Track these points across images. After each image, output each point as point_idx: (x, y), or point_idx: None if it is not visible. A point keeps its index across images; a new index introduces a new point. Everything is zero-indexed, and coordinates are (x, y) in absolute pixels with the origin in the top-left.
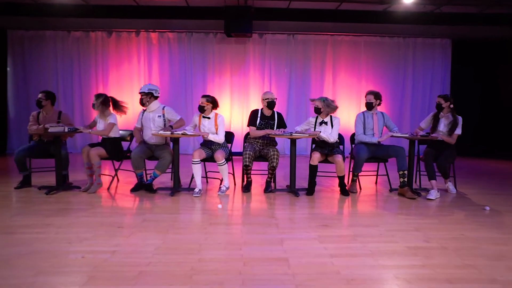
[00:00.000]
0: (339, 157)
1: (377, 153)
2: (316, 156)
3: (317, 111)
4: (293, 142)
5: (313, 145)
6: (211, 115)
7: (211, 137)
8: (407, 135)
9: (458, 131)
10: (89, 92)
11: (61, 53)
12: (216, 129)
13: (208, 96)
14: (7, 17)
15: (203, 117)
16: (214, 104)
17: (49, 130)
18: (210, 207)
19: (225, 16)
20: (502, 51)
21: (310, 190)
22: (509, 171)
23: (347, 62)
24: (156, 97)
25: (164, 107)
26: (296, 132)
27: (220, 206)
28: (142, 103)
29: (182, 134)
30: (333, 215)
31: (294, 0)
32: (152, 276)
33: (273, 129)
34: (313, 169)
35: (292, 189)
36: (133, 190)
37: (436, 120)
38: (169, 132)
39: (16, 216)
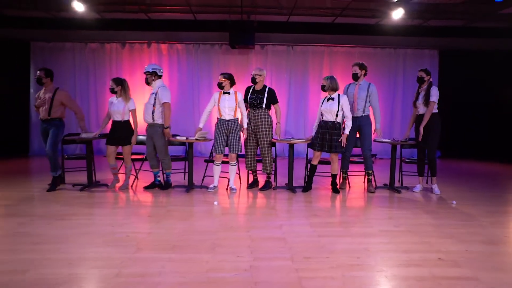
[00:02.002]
0: (335, 156)
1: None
2: (315, 156)
3: (323, 88)
4: (291, 145)
5: (315, 138)
6: (231, 91)
7: (244, 122)
8: (389, 140)
9: (433, 98)
10: (104, 99)
11: (78, 63)
12: (237, 104)
13: (225, 73)
14: (31, 30)
15: (224, 93)
16: (232, 80)
17: (81, 136)
18: (220, 201)
19: (229, 29)
20: (486, 62)
21: (307, 187)
22: (491, 172)
23: (343, 71)
24: (159, 76)
25: (160, 87)
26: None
27: (216, 203)
28: (147, 82)
29: (196, 139)
30: (324, 208)
31: (293, 15)
32: (184, 248)
33: (263, 102)
34: (312, 168)
35: (290, 187)
36: (147, 188)
37: (417, 95)
38: (185, 138)
39: (63, 207)
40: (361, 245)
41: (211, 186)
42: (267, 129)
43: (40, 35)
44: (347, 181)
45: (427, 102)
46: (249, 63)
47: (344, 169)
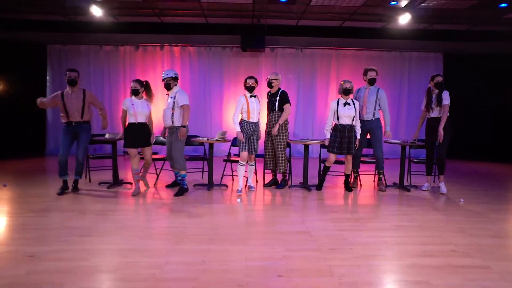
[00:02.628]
0: (350, 156)
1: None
2: (332, 159)
3: (348, 92)
4: (306, 146)
5: (334, 142)
6: (255, 93)
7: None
8: (399, 142)
9: (446, 101)
10: (118, 100)
11: (93, 65)
12: (261, 107)
13: (253, 76)
14: (47, 33)
15: (251, 96)
16: (257, 84)
17: (105, 137)
18: (242, 199)
19: (241, 33)
20: (490, 65)
21: (320, 186)
22: (494, 173)
23: (350, 74)
24: (177, 80)
25: (178, 91)
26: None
27: (239, 200)
28: (168, 87)
29: (216, 140)
30: (339, 205)
31: (303, 19)
32: (219, 240)
33: (275, 105)
34: (326, 169)
35: (305, 185)
36: (169, 186)
37: (429, 99)
38: (206, 139)
39: (97, 203)
40: (380, 238)
41: (239, 189)
42: (280, 131)
43: (56, 38)
44: (358, 180)
45: (439, 104)
46: (259, 65)
47: (356, 168)
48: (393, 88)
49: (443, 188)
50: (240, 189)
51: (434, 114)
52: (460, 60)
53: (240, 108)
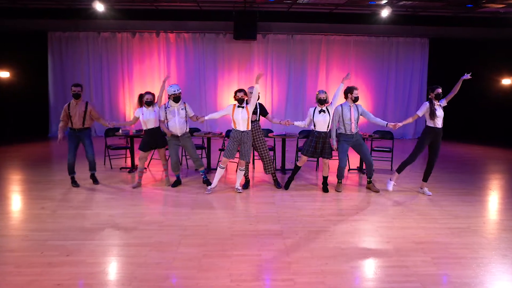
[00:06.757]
0: (326, 160)
1: (354, 147)
2: (304, 159)
3: (323, 101)
4: (283, 140)
5: (309, 146)
6: (244, 104)
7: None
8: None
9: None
10: (116, 84)
11: (92, 51)
12: (249, 116)
13: (243, 89)
14: (48, 20)
15: (238, 106)
16: (246, 96)
17: (121, 132)
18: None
19: (233, 21)
20: (472, 48)
21: (287, 185)
22: (464, 153)
23: (339, 59)
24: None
25: (185, 102)
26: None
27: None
28: (179, 100)
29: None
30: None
31: (293, 9)
32: (235, 233)
33: (257, 116)
34: (297, 169)
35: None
36: (174, 185)
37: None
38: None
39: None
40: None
41: (209, 188)
42: (263, 138)
43: (56, 25)
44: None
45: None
46: (251, 51)
47: (340, 179)
48: (381, 72)
49: (428, 191)
50: (209, 188)
51: (440, 124)
52: (444, 45)
53: (224, 112)
